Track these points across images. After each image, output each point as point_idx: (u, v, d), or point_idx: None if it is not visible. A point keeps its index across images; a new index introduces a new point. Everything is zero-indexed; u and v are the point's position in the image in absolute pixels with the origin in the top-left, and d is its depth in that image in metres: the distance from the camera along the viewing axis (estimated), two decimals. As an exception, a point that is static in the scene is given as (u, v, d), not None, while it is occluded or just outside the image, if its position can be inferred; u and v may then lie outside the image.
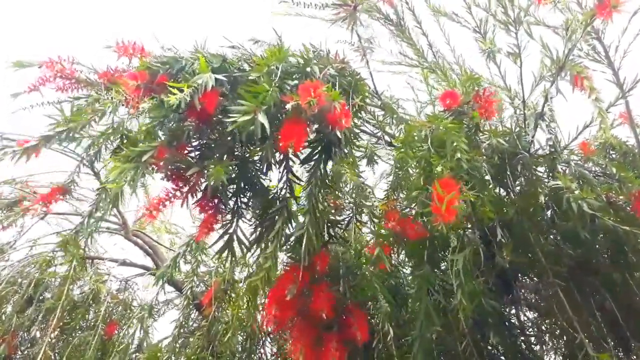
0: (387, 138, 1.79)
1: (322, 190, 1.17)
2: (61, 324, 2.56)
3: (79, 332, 2.70)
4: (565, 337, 1.59)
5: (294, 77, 1.11)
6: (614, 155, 1.75)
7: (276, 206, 1.18)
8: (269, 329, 2.58)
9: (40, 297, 2.63)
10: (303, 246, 1.06)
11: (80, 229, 1.03)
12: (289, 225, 1.16)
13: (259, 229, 1.21)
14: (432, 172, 1.15)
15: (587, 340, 1.12)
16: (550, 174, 1.59)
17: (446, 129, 1.22)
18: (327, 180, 1.19)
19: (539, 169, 1.61)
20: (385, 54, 1.93)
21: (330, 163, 1.20)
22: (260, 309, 2.43)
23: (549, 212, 1.54)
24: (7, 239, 2.84)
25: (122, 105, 1.04)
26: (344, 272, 1.29)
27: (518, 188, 1.63)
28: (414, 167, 1.33)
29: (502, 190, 1.60)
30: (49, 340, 2.33)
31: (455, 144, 1.16)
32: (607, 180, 1.63)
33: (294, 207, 1.26)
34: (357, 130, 1.39)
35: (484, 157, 1.39)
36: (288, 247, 1.28)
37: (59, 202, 2.61)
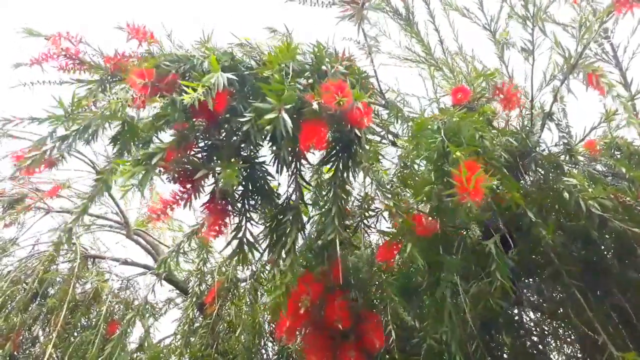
0: (390, 137, 1.77)
1: (344, 192, 1.14)
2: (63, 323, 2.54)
3: (80, 331, 2.69)
4: (580, 339, 1.57)
5: (305, 75, 1.09)
6: (619, 156, 1.74)
7: (287, 214, 1.14)
8: (272, 329, 2.57)
9: (45, 293, 2.61)
10: (338, 251, 1.04)
11: (72, 226, 0.99)
12: (302, 234, 1.13)
13: (271, 236, 1.17)
14: (445, 164, 1.12)
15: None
16: (558, 172, 1.58)
17: (460, 118, 1.20)
18: (349, 181, 1.16)
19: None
20: (393, 46, 1.91)
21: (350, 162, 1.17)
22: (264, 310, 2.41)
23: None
24: (10, 236, 2.83)
25: (129, 106, 1.01)
26: (355, 277, 1.26)
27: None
28: (424, 161, 1.31)
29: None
30: (52, 338, 2.31)
31: (476, 127, 1.14)
32: (614, 181, 1.61)
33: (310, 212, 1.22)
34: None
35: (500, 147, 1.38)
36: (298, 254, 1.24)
37: (59, 196, 2.60)
